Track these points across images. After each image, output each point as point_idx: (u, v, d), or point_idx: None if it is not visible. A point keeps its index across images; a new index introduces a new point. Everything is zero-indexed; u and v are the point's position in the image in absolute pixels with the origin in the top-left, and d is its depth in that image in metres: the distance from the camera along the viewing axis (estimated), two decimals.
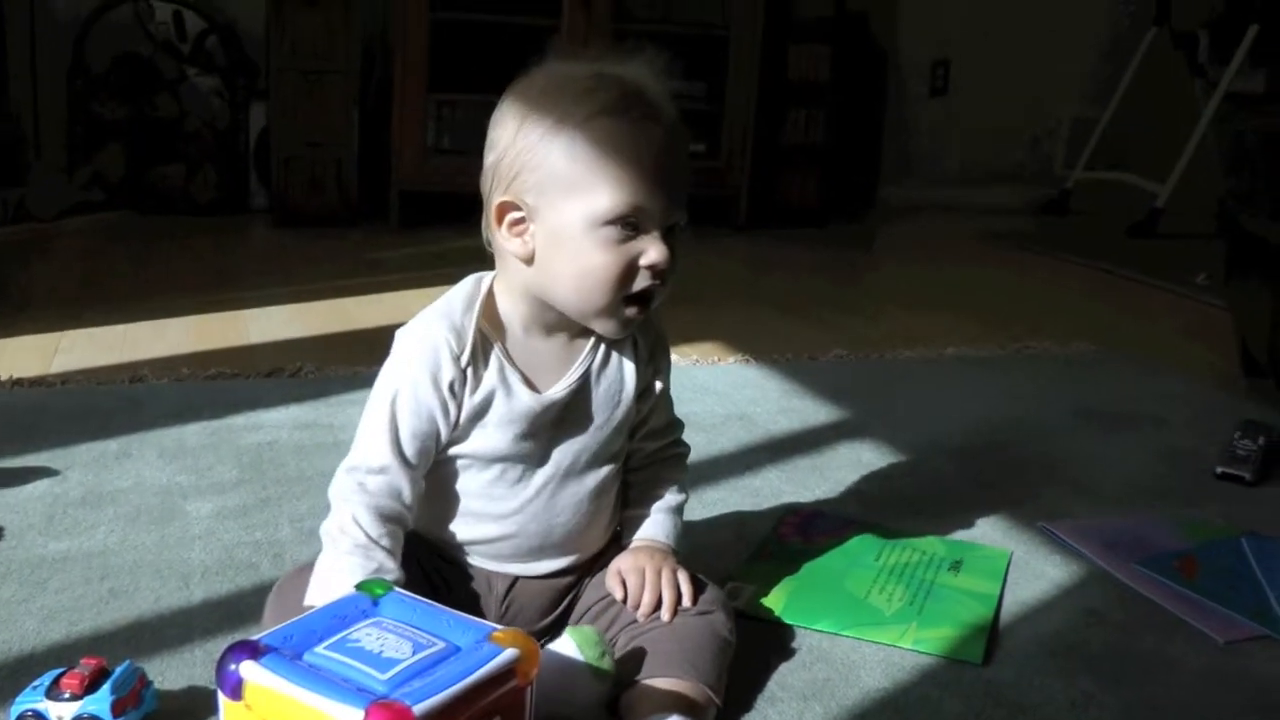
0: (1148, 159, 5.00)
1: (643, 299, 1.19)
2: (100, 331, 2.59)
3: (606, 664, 1.13)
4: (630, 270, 1.16)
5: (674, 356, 2.49)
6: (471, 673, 0.91)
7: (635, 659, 1.20)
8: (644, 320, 1.27)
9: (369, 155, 4.19)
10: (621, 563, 1.30)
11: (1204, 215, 3.53)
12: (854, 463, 2.01)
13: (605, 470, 1.30)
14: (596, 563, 1.33)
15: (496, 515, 1.26)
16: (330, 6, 3.95)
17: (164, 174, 4.17)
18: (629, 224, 1.15)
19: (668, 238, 1.17)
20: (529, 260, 1.19)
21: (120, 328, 2.63)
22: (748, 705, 1.25)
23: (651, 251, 1.16)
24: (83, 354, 2.42)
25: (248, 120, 4.22)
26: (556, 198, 1.15)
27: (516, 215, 1.18)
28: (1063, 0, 5.30)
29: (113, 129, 4.10)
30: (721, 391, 2.36)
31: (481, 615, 1.24)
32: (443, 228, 3.79)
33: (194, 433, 1.97)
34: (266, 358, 2.44)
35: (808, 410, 2.28)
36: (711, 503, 1.79)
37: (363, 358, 2.32)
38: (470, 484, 1.25)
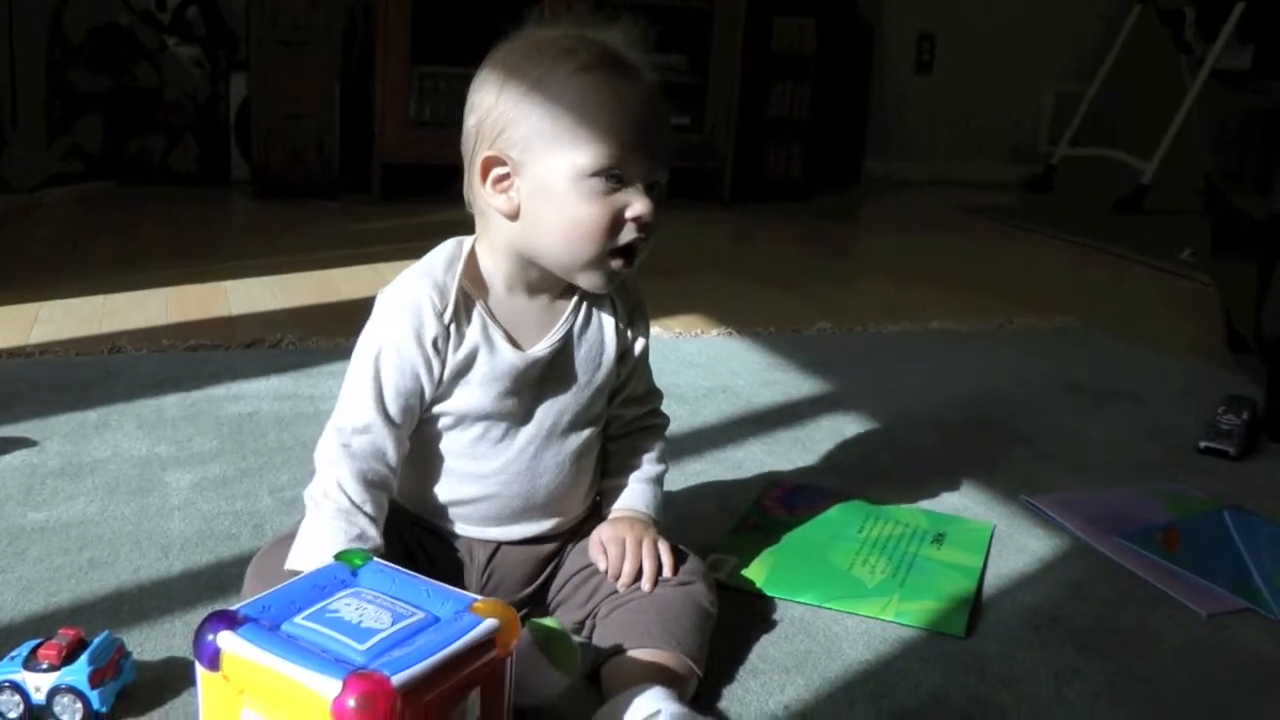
0: (1133, 135, 5.01)
1: (628, 252, 1.19)
2: (79, 302, 2.57)
3: (567, 662, 1.11)
4: (616, 222, 1.16)
5: (657, 329, 2.50)
6: (451, 643, 0.90)
7: (616, 629, 1.20)
8: (622, 284, 1.28)
9: (351, 127, 4.17)
10: (602, 532, 1.30)
11: (1190, 191, 3.54)
12: (837, 435, 2.01)
13: (587, 432, 1.29)
14: (578, 531, 1.33)
15: (479, 475, 1.25)
16: None
17: (144, 145, 4.14)
18: (613, 176, 1.15)
19: (651, 194, 1.18)
20: (514, 215, 1.19)
21: (99, 298, 2.61)
22: (729, 676, 1.25)
23: (636, 204, 1.16)
24: (61, 325, 2.41)
25: (228, 91, 4.20)
26: (541, 151, 1.16)
27: (501, 170, 1.18)
28: None
29: (91, 100, 4.08)
30: (704, 364, 2.35)
31: (463, 585, 1.24)
32: (425, 200, 3.77)
33: (173, 404, 1.96)
34: (247, 329, 2.42)
35: (791, 383, 2.28)
36: (694, 475, 1.79)
37: (344, 329, 2.31)
38: (453, 443, 1.25)
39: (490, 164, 1.18)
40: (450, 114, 4.00)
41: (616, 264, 1.19)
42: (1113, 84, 5.16)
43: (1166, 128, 4.73)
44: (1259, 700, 1.30)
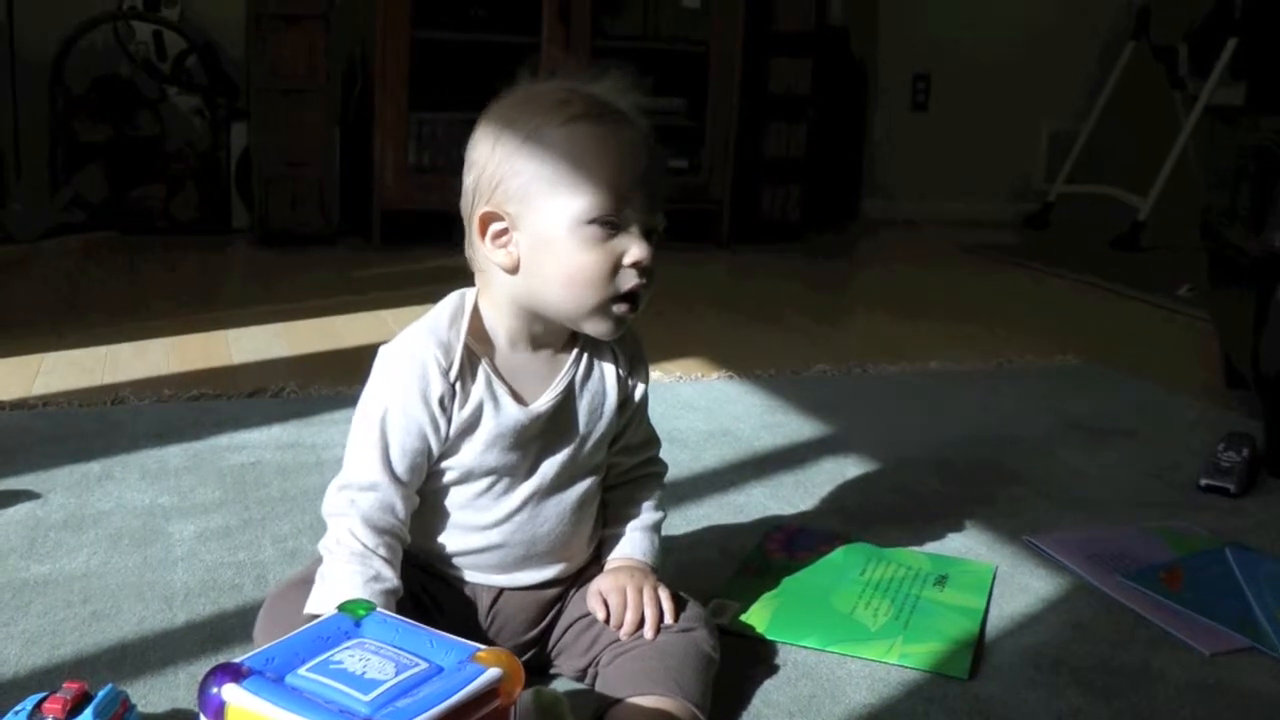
0: (1129, 172, 5.02)
1: (631, 297, 1.19)
2: (81, 353, 2.58)
3: None
4: (616, 268, 1.17)
5: (657, 373, 2.51)
6: (454, 693, 0.91)
7: (619, 676, 1.20)
8: (623, 334, 1.28)
9: (350, 174, 4.19)
10: (602, 583, 1.30)
11: (1186, 228, 3.54)
12: (838, 478, 2.01)
13: (588, 482, 1.30)
14: (580, 576, 1.33)
15: (481, 526, 1.26)
16: (310, 26, 3.95)
17: (145, 194, 4.16)
18: (610, 223, 1.16)
19: (648, 239, 1.19)
20: (514, 269, 1.19)
21: (102, 349, 2.62)
22: None
23: (634, 248, 1.17)
24: (64, 375, 2.41)
25: (229, 140, 4.21)
26: (538, 202, 1.17)
27: (499, 226, 1.19)
28: (1042, 15, 5.33)
29: (93, 150, 4.09)
30: (705, 408, 2.36)
31: (467, 628, 1.24)
32: (425, 246, 3.78)
33: (176, 454, 1.97)
34: (249, 378, 2.43)
35: (791, 425, 2.28)
36: (695, 519, 1.79)
37: (346, 377, 2.32)
38: (457, 497, 1.25)
39: (488, 219, 1.19)
40: (449, 160, 4.01)
41: (620, 309, 1.19)
42: (1108, 121, 5.19)
43: (1162, 164, 4.75)
44: None
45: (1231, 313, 2.44)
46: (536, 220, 1.17)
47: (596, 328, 1.21)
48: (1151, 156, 4.83)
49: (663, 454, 1.42)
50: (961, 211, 5.39)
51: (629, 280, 1.18)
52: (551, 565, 1.30)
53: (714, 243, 4.48)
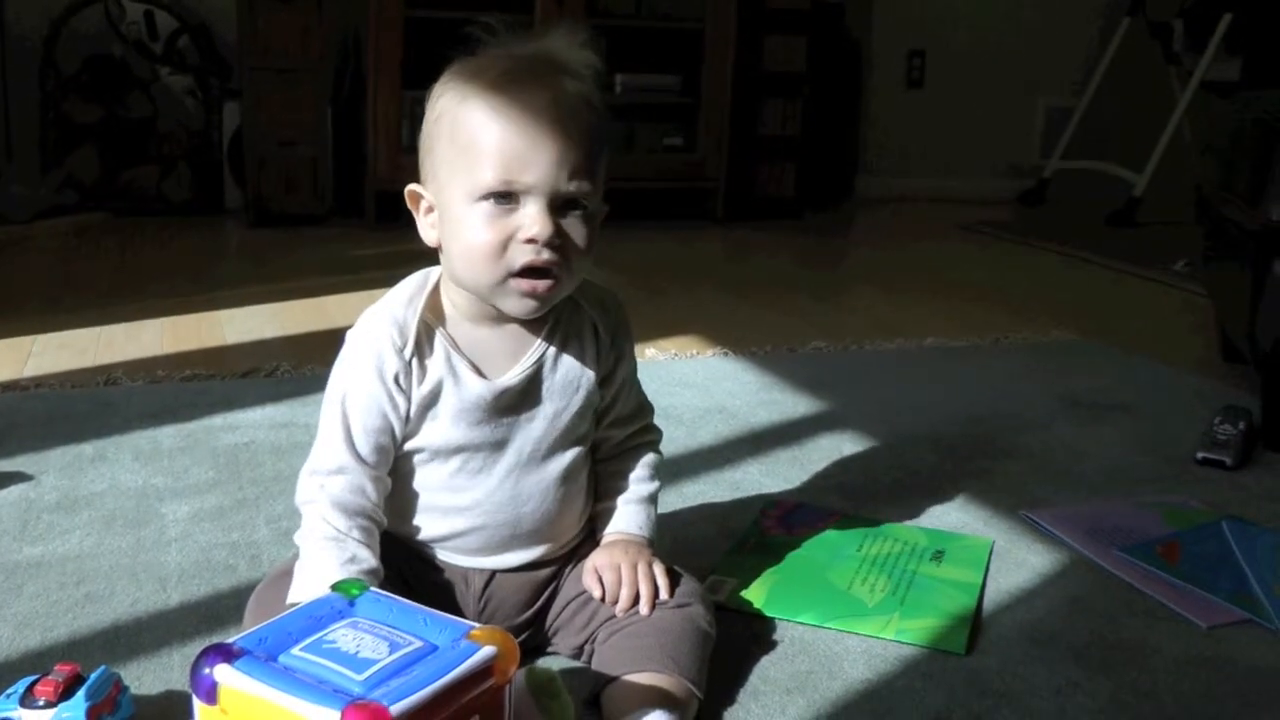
0: (1124, 148, 5.02)
1: (533, 273, 1.15)
2: (74, 334, 2.57)
3: (558, 711, 1.10)
4: (506, 244, 1.14)
5: (652, 350, 2.50)
6: (449, 671, 0.90)
7: (615, 654, 1.19)
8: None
9: (344, 154, 4.18)
10: (597, 559, 1.29)
11: (1182, 203, 3.54)
12: (834, 454, 2.01)
13: (570, 454, 1.28)
14: (574, 555, 1.32)
15: (462, 507, 1.25)
16: (303, 5, 3.94)
17: (137, 175, 4.15)
18: (504, 196, 1.13)
19: (562, 212, 1.15)
20: (438, 246, 1.20)
21: (94, 330, 2.61)
22: (730, 699, 1.24)
23: (529, 225, 1.13)
24: (56, 357, 2.40)
25: (221, 120, 4.20)
26: (446, 180, 1.16)
27: (425, 203, 1.20)
28: None
29: (85, 130, 4.08)
30: (700, 385, 2.35)
31: (460, 613, 1.24)
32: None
33: (169, 435, 1.96)
34: (242, 358, 2.42)
35: (787, 402, 2.28)
36: (692, 496, 1.78)
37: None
38: (431, 478, 1.24)
39: (414, 197, 1.21)
40: None
41: (523, 285, 1.16)
42: (1103, 97, 5.18)
43: (1157, 140, 4.74)
44: (1261, 713, 1.29)
45: (1228, 287, 2.44)
46: (444, 198, 1.17)
47: (508, 305, 1.18)
48: (1147, 132, 4.83)
49: (654, 424, 1.41)
50: (957, 188, 5.38)
51: (522, 256, 1.14)
52: (539, 544, 1.29)
53: (709, 220, 4.47)
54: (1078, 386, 2.46)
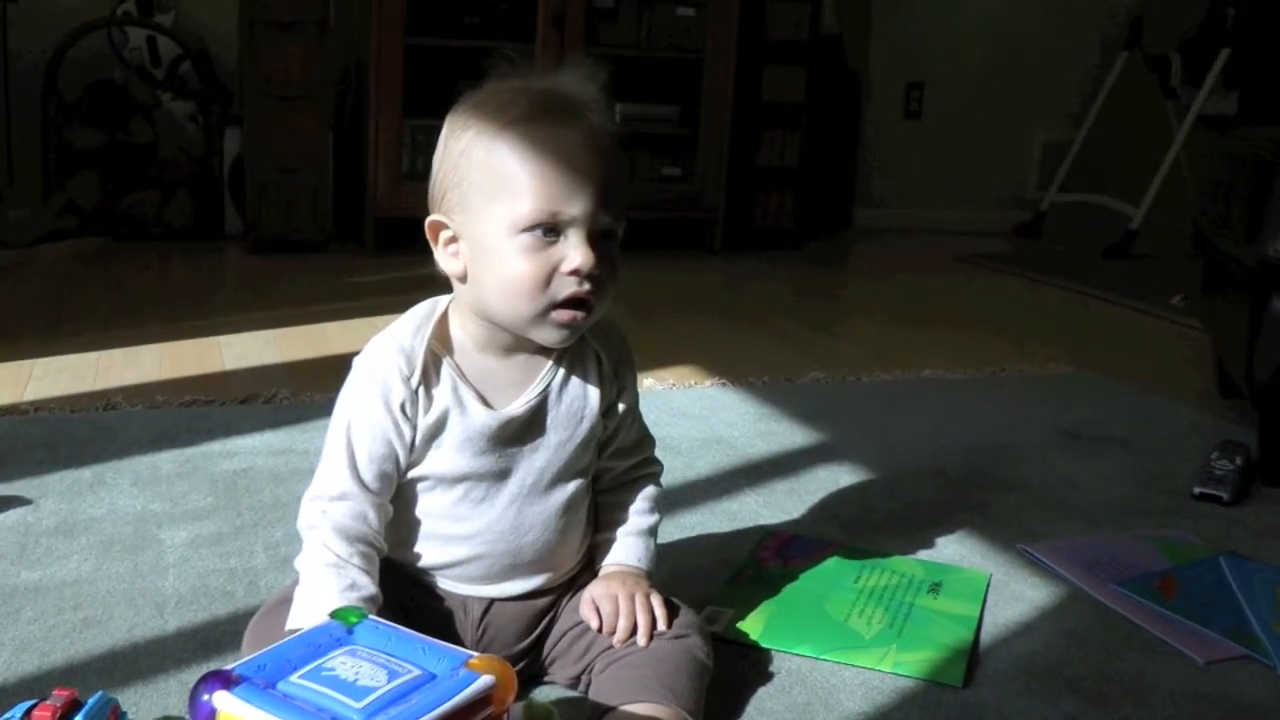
0: (1122, 181, 5.04)
1: (573, 304, 1.17)
2: (73, 359, 2.57)
3: None
4: (551, 276, 1.15)
5: (650, 380, 2.51)
6: (447, 700, 0.90)
7: (612, 684, 1.19)
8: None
9: (344, 181, 4.19)
10: (594, 590, 1.29)
11: (1179, 237, 3.56)
12: (832, 485, 2.01)
13: (572, 486, 1.29)
14: (573, 584, 1.33)
15: (463, 536, 1.25)
16: (304, 32, 3.95)
17: (138, 200, 4.15)
18: (548, 229, 1.14)
19: (599, 244, 1.16)
20: (463, 278, 1.20)
21: (94, 355, 2.61)
22: None
23: (573, 256, 1.14)
24: (56, 381, 2.41)
25: (222, 146, 4.21)
26: (478, 210, 1.16)
27: (448, 234, 1.19)
28: (1035, 24, 5.34)
29: (86, 156, 4.09)
30: (698, 415, 2.36)
31: (458, 640, 1.24)
32: (418, 252, 3.76)
33: (168, 460, 1.96)
34: (241, 384, 2.43)
35: (785, 433, 2.28)
36: (689, 527, 1.78)
37: (338, 383, 2.28)
38: (434, 505, 1.25)
39: (437, 228, 1.20)
40: None
41: (563, 316, 1.17)
42: (1100, 130, 5.20)
43: (1154, 174, 4.76)
44: None
45: (1225, 321, 2.44)
46: (476, 229, 1.16)
47: (543, 336, 1.19)
48: (1144, 166, 4.84)
49: (655, 456, 1.41)
50: (954, 220, 5.39)
51: (566, 288, 1.15)
52: (539, 574, 1.29)
53: (707, 250, 4.48)
54: (1075, 419, 2.47)
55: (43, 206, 4.01)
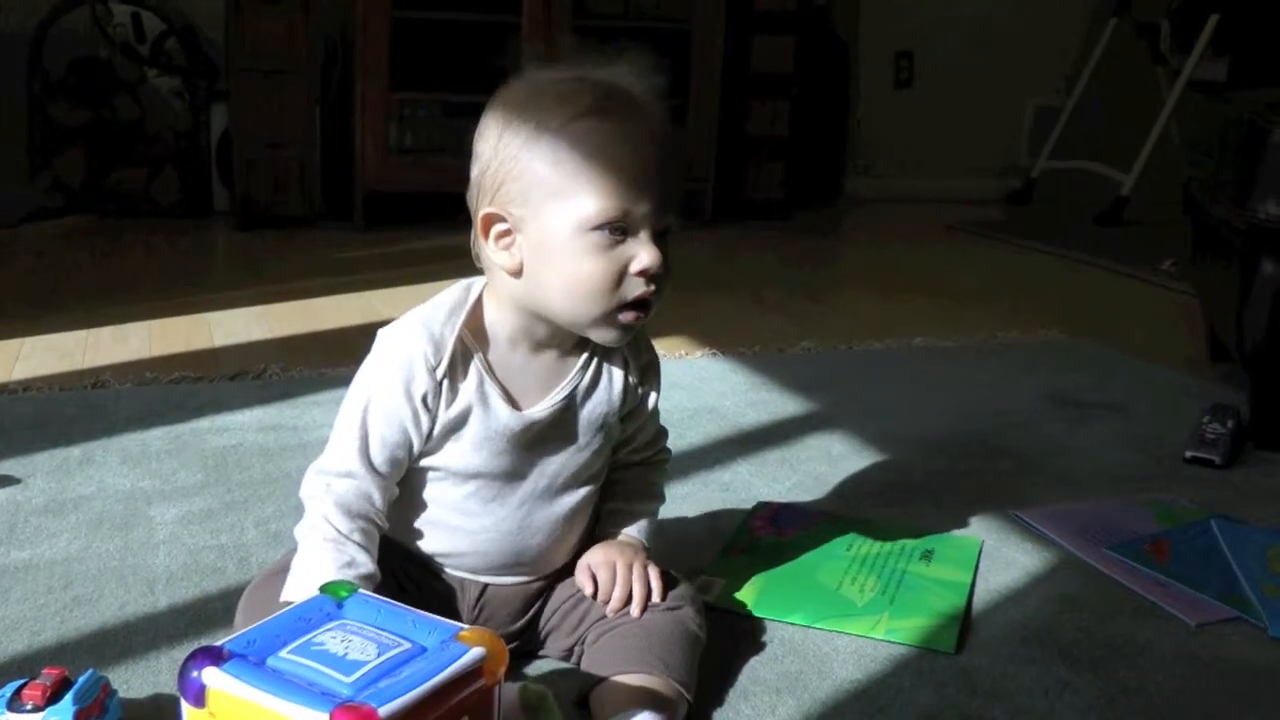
0: (1112, 148, 5.02)
1: (638, 304, 1.15)
2: (61, 337, 2.56)
3: None
4: (621, 276, 1.12)
5: None
6: (438, 673, 0.90)
7: (605, 654, 1.19)
8: (637, 341, 1.25)
9: (332, 155, 4.17)
10: (591, 557, 1.29)
11: (1169, 202, 3.55)
12: (824, 454, 2.01)
13: (582, 492, 1.28)
14: (568, 569, 1.32)
15: (468, 531, 1.24)
16: (290, 6, 3.92)
17: (125, 177, 4.13)
18: (617, 228, 1.11)
19: (659, 241, 1.13)
20: (517, 273, 1.15)
21: (82, 333, 2.60)
22: (719, 700, 1.24)
23: (643, 255, 1.12)
24: (44, 360, 2.40)
25: (209, 122, 4.19)
26: (541, 206, 1.12)
27: (503, 227, 1.14)
28: None
29: (72, 133, 4.06)
30: (690, 385, 2.35)
31: (456, 617, 1.23)
32: (407, 226, 3.78)
33: (157, 437, 1.95)
34: (231, 360, 2.42)
35: (777, 403, 2.28)
36: (681, 497, 1.78)
37: (328, 359, 2.31)
38: (443, 497, 1.23)
39: (490, 220, 1.15)
40: (430, 141, 4.01)
41: (627, 317, 1.15)
42: (1091, 97, 5.18)
43: (1145, 139, 4.75)
44: (1249, 710, 1.30)
45: (1216, 286, 2.44)
46: (539, 225, 1.12)
47: (602, 335, 1.17)
48: (1134, 132, 4.83)
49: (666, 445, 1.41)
50: (945, 188, 5.38)
51: (635, 289, 1.13)
52: (533, 572, 1.29)
53: (697, 221, 4.47)
54: (1066, 386, 2.47)
55: (29, 184, 3.99)
